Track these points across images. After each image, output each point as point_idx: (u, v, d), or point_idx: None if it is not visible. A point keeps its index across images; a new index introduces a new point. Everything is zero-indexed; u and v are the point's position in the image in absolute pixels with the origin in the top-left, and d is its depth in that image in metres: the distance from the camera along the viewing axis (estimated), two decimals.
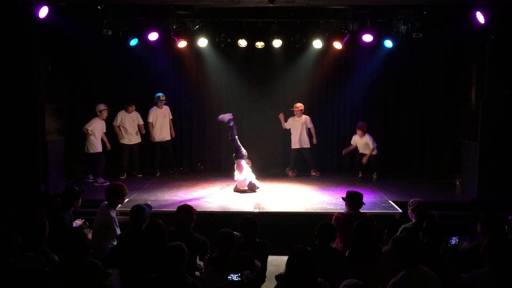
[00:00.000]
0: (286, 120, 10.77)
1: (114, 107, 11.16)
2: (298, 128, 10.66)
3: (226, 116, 9.10)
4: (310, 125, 10.66)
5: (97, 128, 9.89)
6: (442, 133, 11.01)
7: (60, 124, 8.76)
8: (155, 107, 10.58)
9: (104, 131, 10.14)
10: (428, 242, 4.89)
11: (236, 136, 9.04)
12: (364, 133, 10.20)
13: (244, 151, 9.00)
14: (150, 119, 10.55)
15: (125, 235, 5.42)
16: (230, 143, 9.16)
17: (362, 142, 10.24)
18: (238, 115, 11.31)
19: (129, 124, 10.41)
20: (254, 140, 10.98)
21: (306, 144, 10.68)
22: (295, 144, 10.74)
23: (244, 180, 8.95)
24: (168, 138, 10.76)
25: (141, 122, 10.57)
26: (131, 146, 10.50)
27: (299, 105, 10.63)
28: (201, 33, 10.16)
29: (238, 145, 8.99)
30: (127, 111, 10.40)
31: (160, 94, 10.51)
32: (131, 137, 10.46)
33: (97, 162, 9.87)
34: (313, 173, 10.68)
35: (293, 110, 10.65)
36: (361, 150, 10.26)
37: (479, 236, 5.50)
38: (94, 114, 9.94)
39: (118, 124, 10.36)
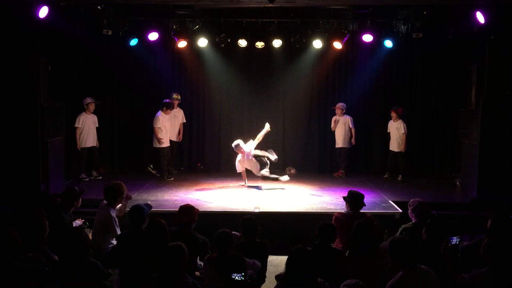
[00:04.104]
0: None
1: (114, 107, 11.19)
2: (340, 127, 10.67)
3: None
4: (351, 125, 10.60)
5: (86, 122, 9.96)
6: (442, 133, 11.02)
7: (60, 124, 8.76)
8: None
9: (97, 125, 10.18)
10: (429, 240, 4.87)
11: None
12: (398, 117, 10.21)
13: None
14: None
15: (125, 235, 5.42)
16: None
17: (395, 126, 10.24)
18: (238, 115, 11.36)
19: (169, 125, 10.28)
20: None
21: (346, 144, 10.65)
22: (338, 143, 10.77)
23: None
24: (174, 139, 10.67)
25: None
26: (171, 146, 10.39)
27: (341, 105, 10.65)
28: (201, 33, 10.16)
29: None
30: (165, 113, 10.08)
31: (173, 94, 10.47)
32: (167, 139, 10.26)
33: (79, 158, 10.01)
34: (340, 173, 10.68)
35: (334, 109, 10.70)
36: (394, 137, 10.29)
37: (479, 235, 5.50)
38: (82, 109, 10.02)
39: (159, 126, 10.01)
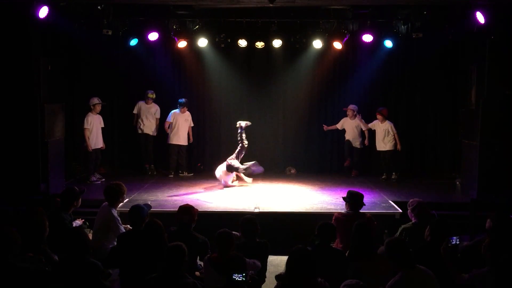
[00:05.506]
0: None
1: (114, 107, 11.18)
2: (350, 129, 10.71)
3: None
4: (364, 128, 10.60)
5: (94, 123, 9.89)
6: (442, 133, 11.02)
7: (60, 124, 8.77)
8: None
9: (102, 125, 10.11)
10: (432, 240, 4.87)
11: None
12: (384, 118, 10.20)
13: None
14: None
15: (125, 235, 5.44)
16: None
17: (382, 128, 10.24)
18: (238, 115, 11.33)
19: (182, 124, 10.46)
20: (254, 140, 10.96)
21: (356, 145, 10.71)
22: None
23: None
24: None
25: (191, 124, 10.70)
26: (179, 147, 10.53)
27: (352, 106, 10.62)
28: (201, 33, 10.16)
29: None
30: (180, 111, 10.41)
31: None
32: (180, 137, 10.49)
33: (89, 160, 9.91)
34: (353, 174, 10.72)
35: (345, 110, 10.70)
36: (379, 137, 10.28)
37: (479, 235, 5.50)
38: (88, 109, 9.95)
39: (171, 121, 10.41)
